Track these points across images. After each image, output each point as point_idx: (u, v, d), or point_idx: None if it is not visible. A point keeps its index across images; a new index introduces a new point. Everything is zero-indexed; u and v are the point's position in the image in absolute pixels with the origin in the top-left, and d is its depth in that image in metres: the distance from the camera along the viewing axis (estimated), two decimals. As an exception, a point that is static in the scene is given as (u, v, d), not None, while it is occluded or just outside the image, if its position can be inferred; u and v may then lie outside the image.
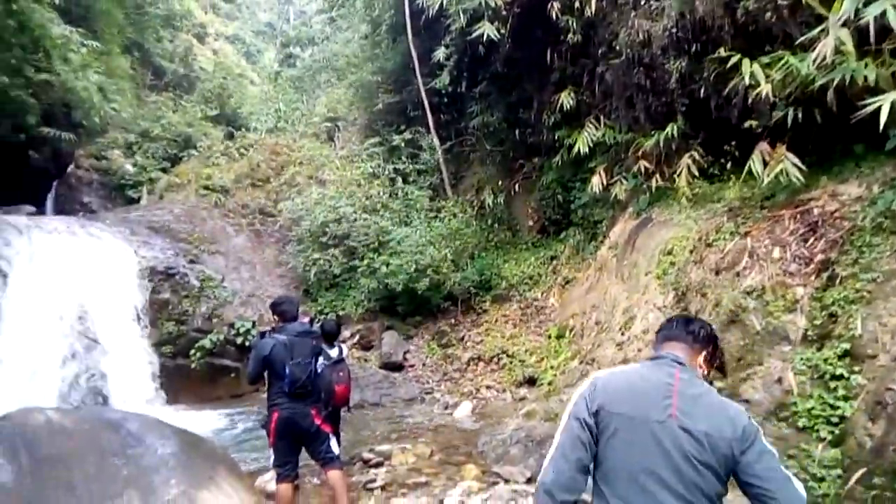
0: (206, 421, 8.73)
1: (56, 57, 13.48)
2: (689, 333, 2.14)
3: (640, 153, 8.56)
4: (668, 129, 7.87)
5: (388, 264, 10.92)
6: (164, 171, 16.18)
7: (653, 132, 8.23)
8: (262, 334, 4.67)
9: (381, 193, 13.01)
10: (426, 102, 13.40)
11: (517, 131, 11.86)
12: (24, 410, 4.39)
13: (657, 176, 8.42)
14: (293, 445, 4.49)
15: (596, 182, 9.06)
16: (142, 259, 10.68)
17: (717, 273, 6.31)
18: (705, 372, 2.14)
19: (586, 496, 1.97)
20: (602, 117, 9.49)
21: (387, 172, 13.65)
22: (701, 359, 2.14)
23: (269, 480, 5.43)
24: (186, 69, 24.48)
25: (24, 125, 12.85)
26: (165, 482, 4.10)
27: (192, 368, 10.24)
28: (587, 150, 9.22)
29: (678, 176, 7.77)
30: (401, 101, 14.55)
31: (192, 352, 10.29)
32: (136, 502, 3.90)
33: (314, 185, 13.77)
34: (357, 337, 11.38)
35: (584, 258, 10.37)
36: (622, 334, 7.57)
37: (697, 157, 7.73)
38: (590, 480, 1.98)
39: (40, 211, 14.39)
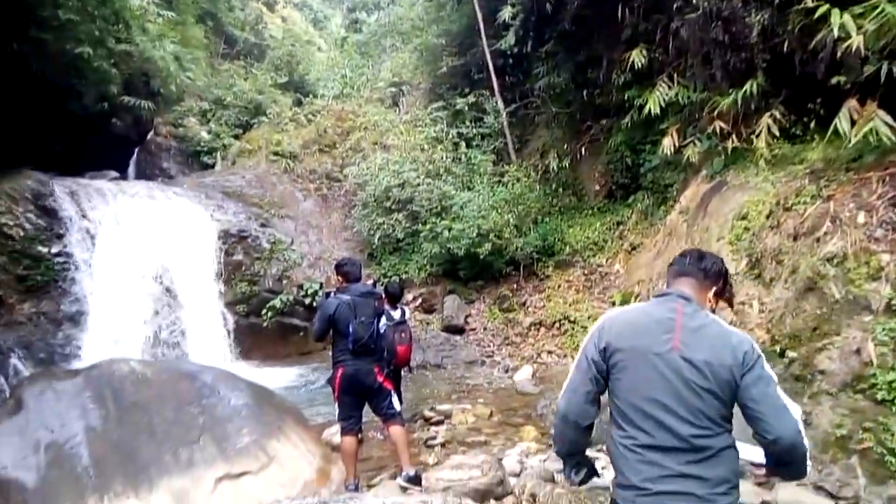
0: (276, 377, 9.16)
1: (135, 27, 13.97)
2: (701, 270, 2.22)
3: (715, 113, 8.12)
4: (747, 86, 7.42)
5: (450, 229, 10.95)
6: (236, 137, 16.74)
7: (730, 90, 7.78)
8: (328, 294, 4.82)
9: (445, 158, 12.98)
10: (491, 64, 13.15)
11: (585, 92, 11.47)
12: (111, 361, 4.74)
13: (733, 137, 7.99)
14: (357, 401, 4.64)
15: (667, 144, 8.68)
16: (216, 222, 11.16)
17: (796, 239, 5.98)
18: (714, 306, 2.23)
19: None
20: (675, 76, 9.03)
21: (450, 137, 13.57)
22: (710, 294, 2.22)
23: (335, 433, 5.66)
24: (257, 37, 24.94)
25: (106, 94, 13.46)
26: (238, 431, 4.35)
27: (263, 327, 10.73)
28: (659, 110, 8.81)
29: (757, 137, 7.35)
30: (465, 63, 14.36)
31: (264, 311, 10.76)
32: (211, 448, 4.17)
33: (379, 150, 13.89)
34: (419, 300, 11.55)
35: (653, 223, 10.05)
36: (690, 302, 7.34)
37: (778, 116, 7.27)
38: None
39: (123, 176, 15.21)
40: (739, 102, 7.57)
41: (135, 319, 9.47)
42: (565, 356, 9.48)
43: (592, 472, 2.32)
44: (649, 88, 9.15)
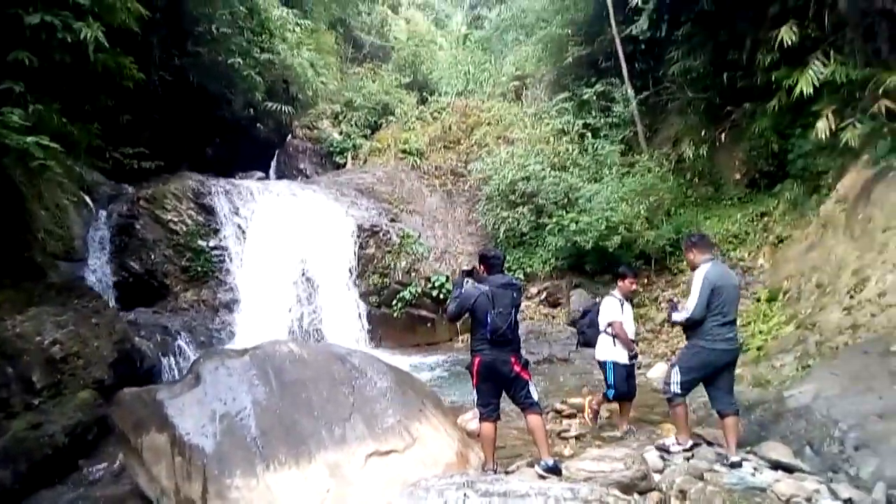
0: (406, 364, 9.48)
1: (276, 37, 15.05)
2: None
3: (880, 91, 7.35)
4: (922, 58, 6.64)
5: (576, 222, 10.76)
6: (365, 137, 17.44)
7: (899, 65, 7.01)
8: (467, 275, 4.98)
9: (571, 150, 12.78)
10: (621, 51, 12.73)
11: (725, 75, 10.72)
12: (272, 342, 5.16)
13: (903, 117, 7.19)
14: (495, 388, 4.71)
15: (821, 127, 7.98)
16: (351, 217, 11.77)
17: None
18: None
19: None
20: (831, 52, 8.27)
21: (576, 128, 13.31)
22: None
23: (469, 420, 5.81)
24: (382, 40, 25.81)
25: (252, 101, 14.64)
26: (384, 411, 4.58)
27: (394, 317, 11.20)
28: (811, 90, 8.13)
29: (933, 115, 6.56)
30: (591, 52, 14.00)
31: (394, 302, 11.22)
32: (360, 426, 4.42)
33: (503, 144, 13.94)
34: (544, 294, 11.46)
35: (804, 214, 9.24)
36: (851, 297, 6.69)
37: (961, 90, 6.44)
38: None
39: (265, 176, 16.44)
40: (912, 77, 6.79)
41: (280, 307, 10.24)
42: (702, 355, 8.98)
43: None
44: (800, 68, 8.48)
